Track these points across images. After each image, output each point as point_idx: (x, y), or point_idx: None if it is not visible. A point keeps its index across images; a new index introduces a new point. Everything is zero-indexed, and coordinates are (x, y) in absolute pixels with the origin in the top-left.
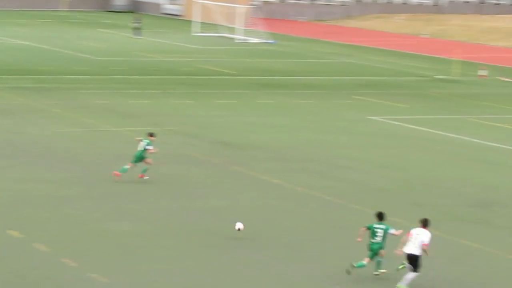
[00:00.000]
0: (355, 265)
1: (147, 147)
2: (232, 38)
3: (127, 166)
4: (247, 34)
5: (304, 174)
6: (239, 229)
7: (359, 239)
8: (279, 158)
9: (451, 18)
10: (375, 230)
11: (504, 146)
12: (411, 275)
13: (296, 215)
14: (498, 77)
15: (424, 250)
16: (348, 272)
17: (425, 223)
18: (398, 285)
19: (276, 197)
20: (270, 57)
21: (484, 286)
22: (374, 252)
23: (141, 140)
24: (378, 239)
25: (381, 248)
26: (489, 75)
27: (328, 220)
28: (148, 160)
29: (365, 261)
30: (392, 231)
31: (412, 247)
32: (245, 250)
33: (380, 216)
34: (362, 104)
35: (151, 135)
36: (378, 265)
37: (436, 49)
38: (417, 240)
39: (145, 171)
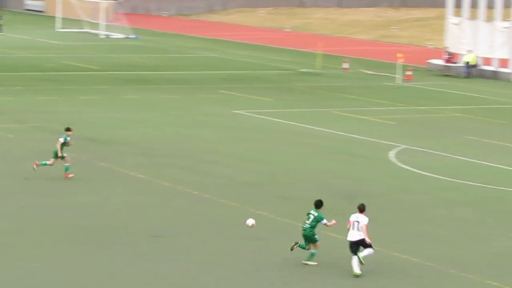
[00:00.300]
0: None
1: (60, 139)
2: (95, 34)
3: (67, 164)
4: (110, 30)
5: (170, 169)
6: (252, 225)
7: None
8: (145, 153)
9: (313, 11)
10: (309, 216)
11: (368, 138)
12: (367, 251)
13: (163, 210)
14: (362, 70)
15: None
16: (291, 249)
17: (361, 209)
18: (358, 254)
19: (143, 192)
20: (133, 52)
21: (353, 276)
22: (305, 238)
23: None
24: (307, 224)
25: (309, 234)
26: (352, 68)
27: (195, 215)
28: (67, 158)
29: (312, 248)
30: (324, 221)
31: (356, 234)
32: (113, 246)
33: (317, 204)
34: (227, 98)
35: (68, 129)
36: (310, 256)
37: (300, 42)
38: (358, 226)
39: (67, 169)
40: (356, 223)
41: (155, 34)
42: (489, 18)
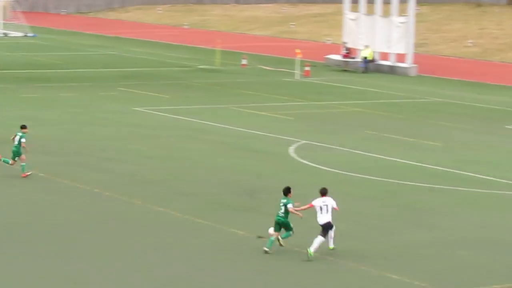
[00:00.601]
0: (267, 248)
1: (22, 140)
2: None
3: (10, 161)
4: (8, 28)
5: (71, 167)
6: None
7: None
8: (45, 151)
9: (211, 8)
10: (280, 205)
11: (267, 134)
12: (331, 234)
13: (65, 208)
14: (260, 66)
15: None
16: (266, 252)
17: (324, 192)
18: (330, 247)
19: (43, 191)
20: (32, 51)
21: (252, 270)
22: (279, 225)
23: (16, 136)
24: (281, 213)
25: (283, 222)
26: (250, 64)
27: (96, 213)
28: (23, 156)
29: (273, 235)
30: (289, 205)
31: (326, 216)
32: (12, 245)
33: (284, 192)
34: (127, 96)
35: (23, 127)
36: (284, 237)
37: (198, 39)
38: (327, 208)
39: (24, 169)
40: (324, 207)
41: (53, 32)
42: (386, 14)
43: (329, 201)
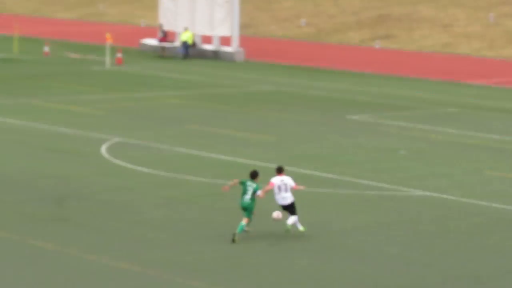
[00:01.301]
0: (237, 231)
1: None
2: None
3: None
4: None
5: None
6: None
7: (225, 188)
8: None
9: None
10: (247, 188)
11: (76, 131)
12: (294, 218)
13: None
14: (65, 53)
15: (298, 190)
16: (233, 241)
17: (280, 170)
18: (300, 229)
19: None
20: None
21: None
22: (248, 211)
23: None
24: (248, 197)
25: (250, 206)
26: (54, 52)
27: None
28: None
29: (244, 221)
30: (258, 192)
31: (287, 196)
32: None
33: (253, 175)
34: None
35: None
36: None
37: None
38: (286, 187)
39: None
40: (283, 186)
41: None
42: None
43: (287, 180)
